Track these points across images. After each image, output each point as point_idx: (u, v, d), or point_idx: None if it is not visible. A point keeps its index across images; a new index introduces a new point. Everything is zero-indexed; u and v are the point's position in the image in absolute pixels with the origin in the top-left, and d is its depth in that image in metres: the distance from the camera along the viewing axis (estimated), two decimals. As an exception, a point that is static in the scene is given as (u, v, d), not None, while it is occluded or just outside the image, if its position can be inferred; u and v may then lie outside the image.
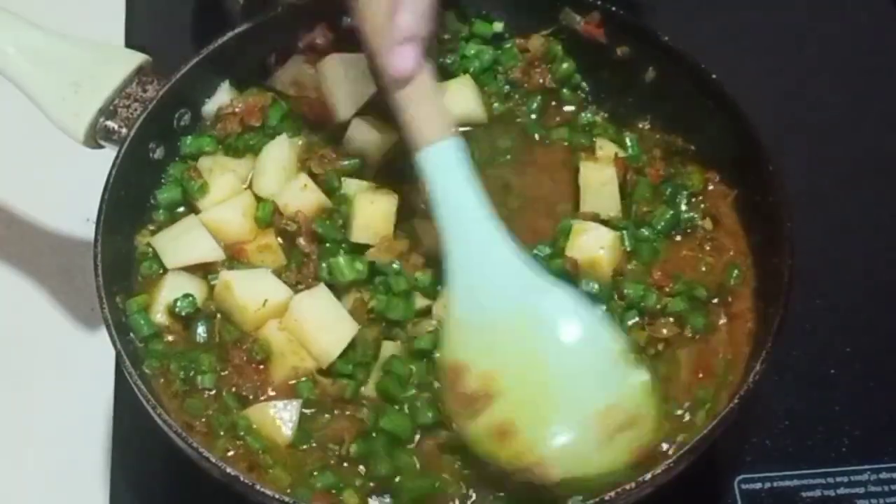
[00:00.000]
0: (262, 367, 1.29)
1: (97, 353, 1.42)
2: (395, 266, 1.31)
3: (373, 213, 1.34)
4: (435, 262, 1.29)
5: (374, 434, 1.25)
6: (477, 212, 1.22)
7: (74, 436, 1.47)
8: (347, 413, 1.26)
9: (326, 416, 1.26)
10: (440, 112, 1.24)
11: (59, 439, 1.47)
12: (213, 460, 1.17)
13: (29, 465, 1.46)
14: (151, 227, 1.39)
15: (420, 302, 1.31)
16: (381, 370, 1.28)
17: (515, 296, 1.20)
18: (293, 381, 1.28)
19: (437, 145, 1.22)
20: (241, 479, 1.16)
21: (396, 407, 1.26)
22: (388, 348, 1.29)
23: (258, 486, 1.16)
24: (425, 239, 1.32)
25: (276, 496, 1.15)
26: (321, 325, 1.28)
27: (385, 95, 1.25)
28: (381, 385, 1.27)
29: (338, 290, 1.31)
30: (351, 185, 1.39)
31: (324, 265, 1.32)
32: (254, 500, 1.17)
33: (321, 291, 1.30)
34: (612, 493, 1.15)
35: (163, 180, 1.41)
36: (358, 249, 1.33)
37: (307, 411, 1.27)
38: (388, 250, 1.31)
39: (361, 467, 1.24)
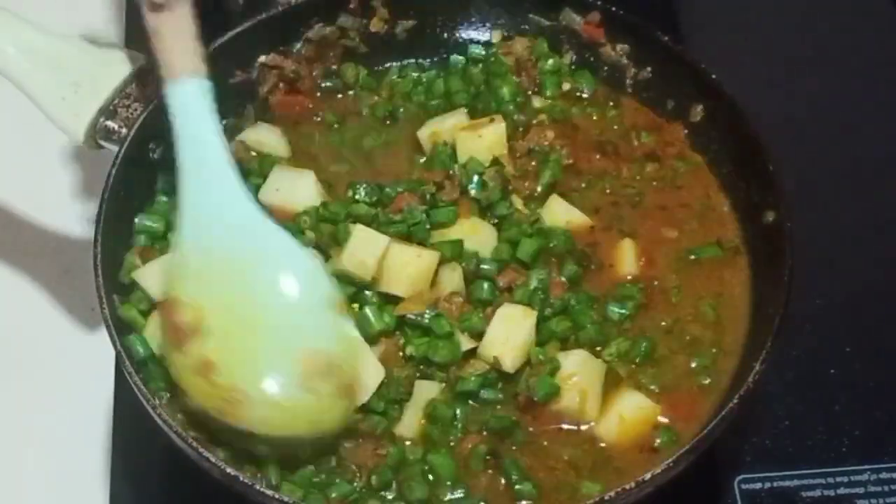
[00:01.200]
0: None
1: (97, 353, 1.43)
2: (428, 312, 1.27)
3: (418, 268, 1.29)
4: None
5: (407, 465, 1.23)
6: (215, 150, 1.25)
7: (74, 436, 1.47)
8: (372, 444, 1.24)
9: (349, 444, 1.25)
10: (191, 49, 1.26)
11: (59, 439, 1.47)
12: (213, 460, 1.17)
13: (29, 465, 1.46)
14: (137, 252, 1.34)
15: (465, 343, 1.28)
16: (423, 414, 1.25)
17: (238, 235, 1.23)
18: None
19: (183, 81, 1.25)
20: (241, 479, 1.16)
21: (443, 450, 1.24)
22: (425, 388, 1.27)
23: (258, 486, 1.16)
24: (448, 285, 1.30)
25: (276, 496, 1.15)
26: None
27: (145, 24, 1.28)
28: (426, 431, 1.25)
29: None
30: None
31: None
32: (254, 500, 1.17)
33: None
34: (612, 493, 1.15)
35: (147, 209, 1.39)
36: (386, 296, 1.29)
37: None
38: (418, 302, 1.29)
39: (383, 493, 1.22)
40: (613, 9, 1.50)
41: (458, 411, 1.25)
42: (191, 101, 1.25)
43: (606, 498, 1.15)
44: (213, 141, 1.25)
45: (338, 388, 1.20)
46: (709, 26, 1.82)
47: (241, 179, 1.25)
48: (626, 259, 1.37)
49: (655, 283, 1.36)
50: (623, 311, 1.33)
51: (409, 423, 1.26)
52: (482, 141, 1.41)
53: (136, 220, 1.37)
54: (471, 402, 1.26)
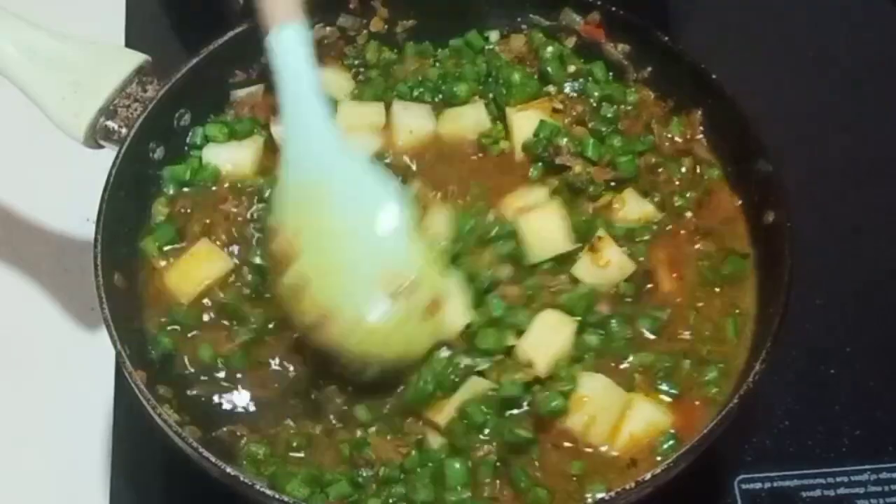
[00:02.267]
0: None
1: (97, 353, 1.43)
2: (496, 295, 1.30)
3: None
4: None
5: (419, 469, 1.23)
6: (310, 87, 1.33)
7: (74, 436, 1.47)
8: (396, 442, 1.25)
9: (376, 431, 1.26)
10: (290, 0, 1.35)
11: (59, 439, 1.47)
12: (213, 460, 1.17)
13: (29, 465, 1.46)
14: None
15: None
16: (456, 410, 1.25)
17: (328, 165, 1.32)
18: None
19: (283, 28, 1.32)
20: (241, 478, 1.16)
21: (462, 457, 1.23)
22: (475, 385, 1.26)
23: (258, 486, 1.16)
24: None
25: (276, 496, 1.15)
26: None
27: None
28: (453, 426, 1.24)
29: None
30: None
31: None
32: (254, 500, 1.17)
33: None
34: (612, 493, 1.16)
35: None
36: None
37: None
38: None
39: (389, 487, 1.22)
40: (613, 9, 1.50)
41: (488, 420, 1.24)
42: (290, 45, 1.33)
43: (607, 498, 1.15)
44: (309, 79, 1.33)
45: (419, 308, 1.27)
46: (709, 26, 1.81)
47: (329, 115, 1.34)
48: (665, 277, 1.36)
49: (678, 300, 1.35)
50: (652, 328, 1.32)
51: (447, 413, 1.25)
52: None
53: (163, 171, 1.41)
54: (508, 411, 1.25)
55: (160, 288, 1.36)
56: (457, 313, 1.29)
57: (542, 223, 1.35)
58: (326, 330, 1.27)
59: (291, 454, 1.26)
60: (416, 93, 1.50)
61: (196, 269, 1.36)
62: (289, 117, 1.33)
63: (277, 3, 1.34)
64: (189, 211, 1.41)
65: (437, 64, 1.54)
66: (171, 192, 1.41)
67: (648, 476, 1.16)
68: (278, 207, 1.32)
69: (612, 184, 1.41)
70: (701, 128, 1.45)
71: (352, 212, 1.30)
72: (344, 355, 1.27)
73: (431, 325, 1.28)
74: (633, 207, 1.39)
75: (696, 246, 1.38)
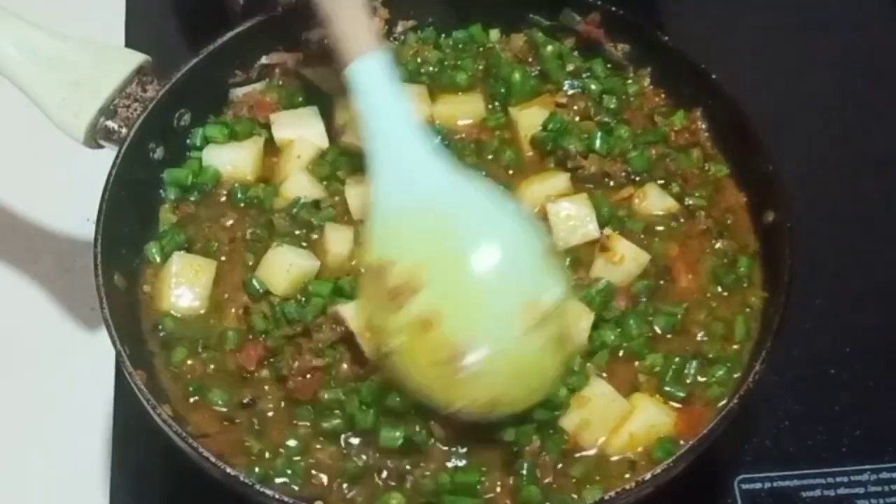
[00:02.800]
0: None
1: (97, 353, 1.43)
2: None
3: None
4: None
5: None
6: (402, 119, 1.28)
7: (74, 436, 1.47)
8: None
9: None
10: (365, 28, 1.29)
11: (59, 439, 1.47)
12: (213, 460, 1.17)
13: (29, 465, 1.46)
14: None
15: None
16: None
17: (439, 193, 1.25)
18: None
19: (362, 60, 1.27)
20: (241, 479, 1.16)
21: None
22: None
23: (258, 486, 1.16)
24: None
25: (276, 496, 1.15)
26: None
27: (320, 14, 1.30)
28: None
29: None
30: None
31: None
32: (254, 500, 1.17)
33: None
34: (613, 493, 1.16)
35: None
36: None
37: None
38: None
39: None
40: (613, 9, 1.50)
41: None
42: (372, 77, 1.27)
43: (606, 498, 1.15)
44: (399, 111, 1.28)
45: (554, 340, 1.20)
46: (709, 26, 1.82)
47: (429, 138, 1.28)
48: (681, 273, 1.36)
49: (693, 297, 1.34)
50: (667, 326, 1.31)
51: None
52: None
53: (164, 174, 1.41)
54: None
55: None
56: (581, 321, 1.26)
57: (572, 209, 1.35)
58: (458, 368, 1.17)
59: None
60: (414, 76, 1.50)
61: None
62: (379, 154, 1.27)
63: (354, 33, 1.27)
64: (193, 218, 1.40)
65: (438, 50, 1.54)
66: (174, 196, 1.41)
67: (648, 476, 1.16)
68: (382, 244, 1.25)
69: (636, 178, 1.41)
70: (702, 125, 1.46)
71: (483, 240, 1.22)
72: (465, 398, 1.18)
73: (561, 357, 1.22)
74: (655, 201, 1.39)
75: (711, 244, 1.37)
